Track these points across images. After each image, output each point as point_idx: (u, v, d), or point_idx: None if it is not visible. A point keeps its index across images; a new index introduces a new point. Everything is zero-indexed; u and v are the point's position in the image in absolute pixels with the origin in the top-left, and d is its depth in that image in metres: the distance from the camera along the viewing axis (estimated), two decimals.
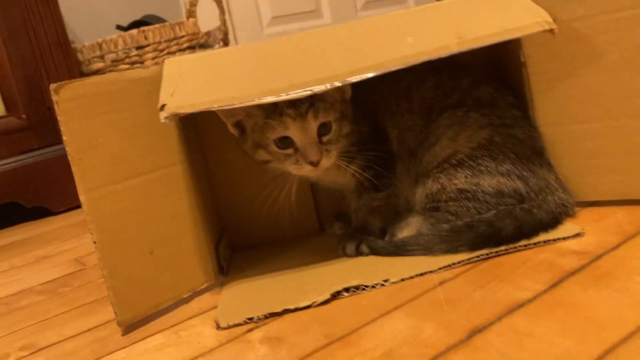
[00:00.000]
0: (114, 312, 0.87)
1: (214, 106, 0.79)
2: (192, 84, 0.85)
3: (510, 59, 0.99)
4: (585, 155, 0.93)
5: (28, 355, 0.89)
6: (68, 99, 0.83)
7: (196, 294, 0.97)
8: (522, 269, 0.79)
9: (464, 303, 0.74)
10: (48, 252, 1.53)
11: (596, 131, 0.91)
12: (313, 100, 0.87)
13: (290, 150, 0.90)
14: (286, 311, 0.83)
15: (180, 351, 0.79)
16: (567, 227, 0.88)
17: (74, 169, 0.84)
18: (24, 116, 1.97)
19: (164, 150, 0.92)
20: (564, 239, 0.85)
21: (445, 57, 1.00)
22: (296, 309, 0.83)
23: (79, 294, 1.12)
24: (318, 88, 0.78)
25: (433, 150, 0.94)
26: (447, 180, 0.91)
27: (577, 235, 0.85)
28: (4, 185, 1.93)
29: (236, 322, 0.82)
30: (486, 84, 0.98)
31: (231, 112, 0.90)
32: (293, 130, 0.88)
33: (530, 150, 0.92)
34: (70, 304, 1.08)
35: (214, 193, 1.14)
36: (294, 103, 0.86)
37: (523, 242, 0.85)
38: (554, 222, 0.89)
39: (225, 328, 0.82)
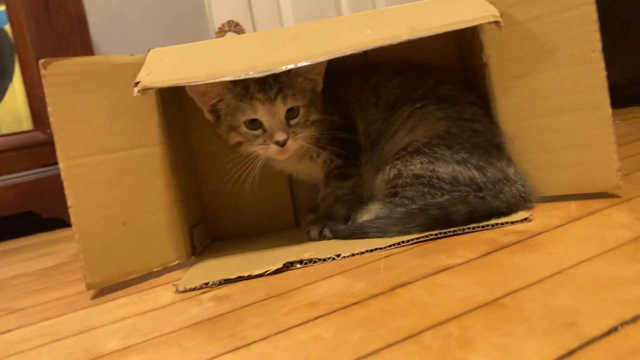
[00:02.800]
0: (83, 275, 0.93)
1: (181, 82, 0.87)
2: (168, 67, 0.93)
3: (476, 60, 1.04)
4: (544, 149, 0.96)
5: (4, 315, 0.95)
6: (55, 74, 0.91)
7: (167, 269, 1.02)
8: (463, 245, 0.82)
9: (399, 268, 0.77)
10: (52, 250, 1.61)
11: (552, 125, 0.94)
12: (282, 87, 0.94)
13: (259, 131, 0.96)
14: (240, 278, 0.87)
15: (136, 308, 0.84)
16: (518, 215, 0.90)
17: (55, 137, 0.92)
18: (49, 131, 2.10)
19: (144, 131, 1.00)
20: (512, 223, 0.88)
21: (413, 61, 1.07)
22: (249, 277, 0.87)
23: (66, 276, 1.19)
24: (274, 69, 0.85)
25: (392, 140, 0.99)
26: (403, 166, 0.95)
27: (525, 220, 0.88)
28: (25, 195, 2.04)
29: (193, 286, 0.87)
30: (449, 84, 1.03)
31: (206, 97, 0.97)
32: (261, 113, 0.94)
33: (488, 143, 0.96)
34: (55, 281, 1.15)
35: (199, 185, 1.21)
36: (263, 88, 0.93)
37: (473, 225, 0.88)
38: (508, 210, 0.91)
39: (182, 291, 0.87)
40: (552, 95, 0.93)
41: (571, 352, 0.46)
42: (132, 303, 0.87)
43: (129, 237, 0.97)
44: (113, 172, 0.96)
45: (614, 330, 0.48)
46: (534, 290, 0.60)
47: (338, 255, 0.88)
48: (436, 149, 0.94)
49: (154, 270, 1.00)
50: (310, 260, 0.88)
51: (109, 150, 0.96)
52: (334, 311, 0.66)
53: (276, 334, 0.62)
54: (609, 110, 0.89)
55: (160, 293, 0.90)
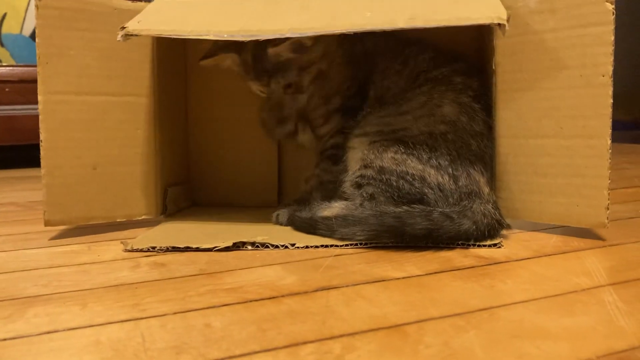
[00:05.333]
0: (43, 211, 0.93)
1: (164, 34, 0.84)
2: (162, 18, 0.90)
3: (488, 67, 0.97)
4: (536, 172, 0.89)
5: None
6: (49, 7, 0.90)
7: (133, 224, 1.01)
8: (417, 259, 0.77)
9: (338, 270, 0.73)
10: None
11: (548, 148, 0.87)
12: None
13: None
14: (188, 249, 0.84)
15: (78, 258, 0.83)
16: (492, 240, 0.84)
17: (38, 69, 0.91)
18: None
19: (133, 80, 0.98)
20: (479, 245, 0.82)
21: None
22: (197, 249, 0.84)
23: None
24: (260, 36, 0.81)
25: (399, 117, 0.94)
26: (379, 153, 0.89)
27: (494, 245, 0.81)
28: None
29: (140, 247, 0.85)
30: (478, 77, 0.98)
31: None
32: None
33: (475, 157, 0.89)
34: (34, 216, 1.16)
35: (189, 148, 1.19)
36: None
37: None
38: (480, 235, 0.83)
39: (129, 250, 0.85)
40: (554, 116, 0.86)
41: None
42: (79, 252, 0.86)
43: (98, 182, 0.96)
44: (93, 114, 0.95)
45: None
46: (445, 324, 0.54)
47: (293, 245, 0.84)
48: (419, 146, 0.88)
49: (118, 220, 0.99)
50: (262, 244, 0.85)
51: (93, 93, 0.95)
52: (245, 302, 0.62)
53: (174, 313, 0.59)
54: (609, 140, 0.81)
55: (111, 247, 0.88)
